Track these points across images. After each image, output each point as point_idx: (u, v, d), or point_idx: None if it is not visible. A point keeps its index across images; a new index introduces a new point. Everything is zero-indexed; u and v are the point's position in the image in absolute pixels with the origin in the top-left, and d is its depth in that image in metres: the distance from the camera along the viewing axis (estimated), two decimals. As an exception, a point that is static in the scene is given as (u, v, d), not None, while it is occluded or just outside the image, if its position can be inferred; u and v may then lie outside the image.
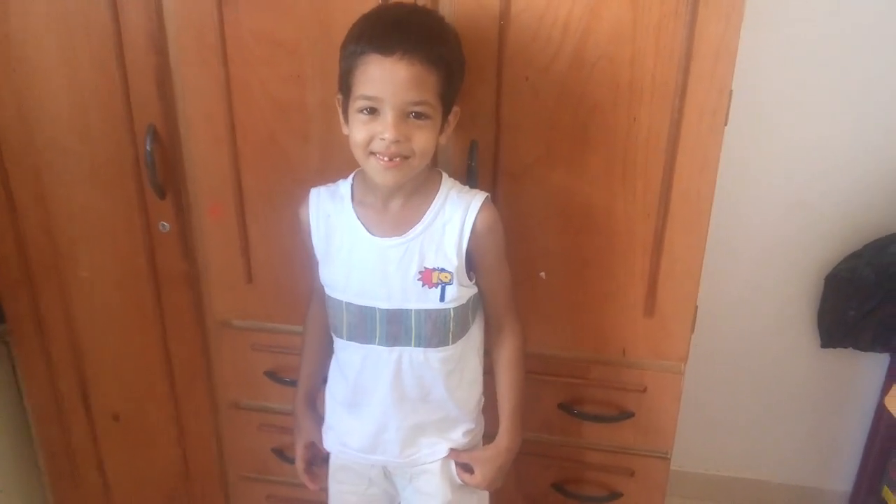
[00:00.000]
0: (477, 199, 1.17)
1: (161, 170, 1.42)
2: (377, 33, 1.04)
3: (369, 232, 1.17)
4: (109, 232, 1.50)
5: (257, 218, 1.42)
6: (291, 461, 1.61)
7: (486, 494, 1.36)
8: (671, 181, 1.26)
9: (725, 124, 1.21)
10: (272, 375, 1.55)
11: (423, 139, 1.07)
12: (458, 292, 1.17)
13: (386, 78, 1.02)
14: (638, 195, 1.28)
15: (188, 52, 1.32)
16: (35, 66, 1.39)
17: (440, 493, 1.28)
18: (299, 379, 1.38)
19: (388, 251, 1.16)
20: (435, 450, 1.28)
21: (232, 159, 1.38)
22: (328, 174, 1.25)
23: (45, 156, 1.45)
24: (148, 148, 1.39)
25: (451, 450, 1.28)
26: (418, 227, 1.16)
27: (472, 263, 1.19)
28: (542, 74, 1.23)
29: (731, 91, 1.20)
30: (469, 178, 1.29)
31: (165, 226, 1.47)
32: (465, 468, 1.29)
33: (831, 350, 1.89)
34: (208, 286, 1.52)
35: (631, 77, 1.20)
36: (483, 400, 1.33)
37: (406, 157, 1.07)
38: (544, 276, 1.38)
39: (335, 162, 1.29)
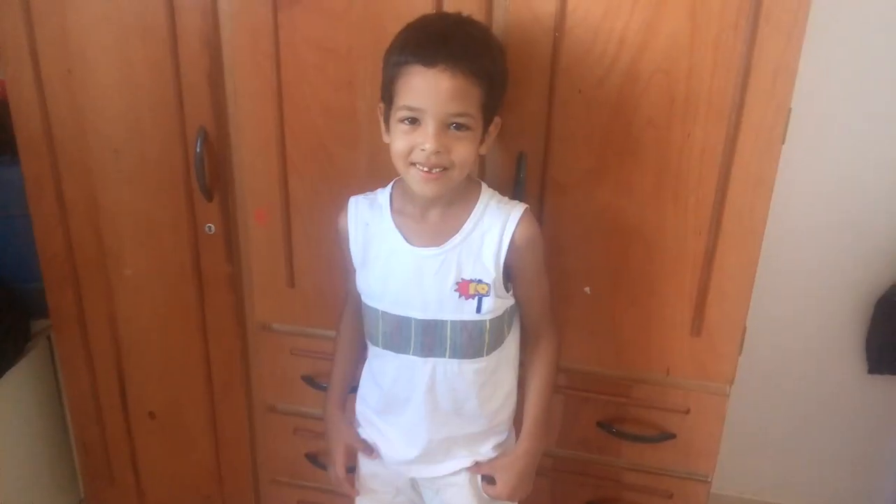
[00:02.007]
0: (516, 210, 1.16)
1: (209, 172, 1.43)
2: (420, 44, 1.04)
3: (407, 241, 1.17)
4: (156, 232, 1.51)
5: (302, 223, 1.43)
6: (324, 467, 1.61)
7: None
8: (724, 199, 1.24)
9: (783, 143, 1.19)
10: (309, 380, 1.54)
11: (463, 151, 1.06)
12: (495, 304, 1.16)
13: (428, 89, 1.03)
14: (689, 212, 1.26)
15: (242, 56, 1.33)
16: (90, 66, 1.41)
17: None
18: (331, 383, 1.37)
19: (425, 261, 1.15)
20: (462, 462, 1.27)
21: (280, 164, 1.38)
22: (375, 182, 1.25)
23: (96, 155, 1.47)
24: (198, 150, 1.40)
25: (476, 462, 1.27)
26: (456, 238, 1.15)
27: (510, 274, 1.18)
28: (596, 88, 1.21)
29: (790, 109, 1.17)
30: (517, 189, 1.28)
31: (211, 227, 1.48)
32: (489, 480, 1.28)
33: (879, 376, 1.85)
34: (250, 289, 1.52)
35: (687, 92, 1.18)
36: (515, 413, 1.31)
37: (446, 169, 1.07)
38: (589, 292, 1.36)
39: (382, 170, 1.29)
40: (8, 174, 1.59)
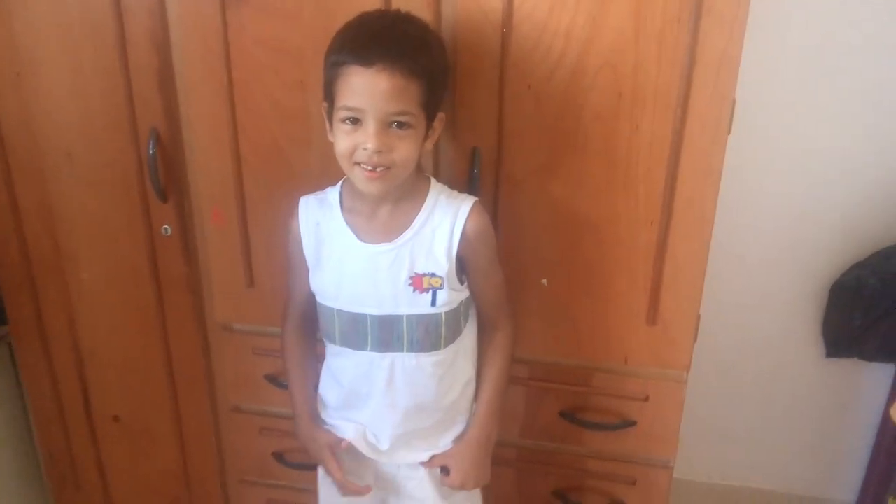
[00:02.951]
0: (466, 203, 1.17)
1: (163, 173, 1.42)
2: (358, 44, 1.05)
3: (359, 239, 1.17)
4: (112, 235, 1.50)
5: (259, 223, 1.42)
6: (292, 465, 1.61)
7: (477, 498, 1.36)
8: (674, 189, 1.25)
9: (729, 133, 1.21)
10: (272, 379, 1.54)
11: (405, 149, 1.07)
12: (450, 297, 1.17)
13: (367, 89, 1.03)
14: (640, 203, 1.28)
15: (192, 57, 1.33)
16: (39, 70, 1.39)
17: (430, 499, 1.28)
18: (297, 402, 1.33)
19: (378, 257, 1.16)
20: (421, 455, 1.28)
21: (234, 164, 1.38)
22: (329, 180, 1.25)
23: (48, 159, 1.46)
24: (151, 151, 1.39)
25: (432, 456, 1.28)
26: (408, 233, 1.16)
27: (463, 267, 1.19)
28: (545, 83, 1.22)
29: (735, 100, 1.19)
30: (471, 184, 1.29)
31: (167, 229, 1.47)
32: (446, 471, 1.29)
33: (836, 360, 1.88)
34: (209, 290, 1.52)
35: (633, 85, 1.20)
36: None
37: (389, 168, 1.08)
38: (546, 284, 1.37)
39: (337, 168, 1.28)
40: (-40, 180, 1.57)
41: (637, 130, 1.22)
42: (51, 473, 1.82)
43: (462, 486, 1.28)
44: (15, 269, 1.57)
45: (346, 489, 1.29)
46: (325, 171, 1.32)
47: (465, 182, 1.30)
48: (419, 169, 1.18)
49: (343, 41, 1.07)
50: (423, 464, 1.28)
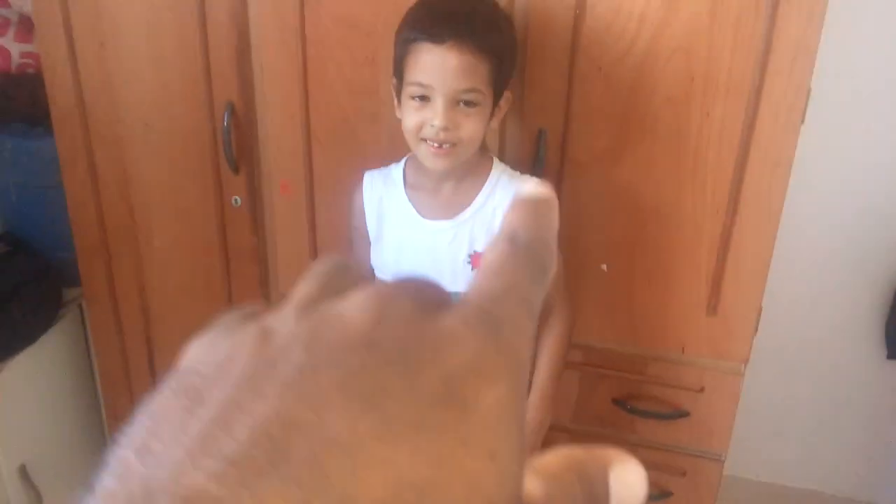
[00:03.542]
0: (528, 183, 1.17)
1: (236, 146, 1.46)
2: (429, 21, 1.06)
3: (420, 215, 1.19)
4: (184, 204, 1.55)
5: (325, 197, 1.45)
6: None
7: None
8: (742, 179, 1.24)
9: (801, 123, 1.19)
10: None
11: (471, 127, 1.08)
12: None
13: (436, 66, 1.05)
14: (707, 191, 1.27)
15: (268, 32, 1.36)
16: (122, 40, 1.44)
17: None
18: None
19: (438, 234, 1.18)
20: None
21: (304, 138, 1.41)
22: (396, 156, 1.27)
23: (127, 128, 1.51)
24: (225, 124, 1.43)
25: None
26: (469, 211, 1.17)
27: None
28: (616, 65, 1.22)
29: (810, 90, 1.17)
30: (536, 167, 1.30)
31: (238, 200, 1.51)
32: None
33: (897, 362, 1.84)
34: (275, 261, 1.56)
35: (706, 71, 1.19)
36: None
37: (455, 145, 1.09)
38: (606, 269, 1.37)
39: (403, 145, 1.30)
40: (42, 146, 1.64)
41: (708, 117, 1.22)
42: (115, 434, 1.88)
43: None
44: (90, 234, 1.63)
45: None
46: (392, 148, 1.35)
47: (531, 164, 1.30)
48: (483, 148, 1.20)
49: (415, 18, 1.09)
50: None
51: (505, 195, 1.17)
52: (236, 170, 1.48)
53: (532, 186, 0.27)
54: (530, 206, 0.26)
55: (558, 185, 1.32)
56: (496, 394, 0.20)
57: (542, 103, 1.28)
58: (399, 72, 1.11)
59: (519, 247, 0.25)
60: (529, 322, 0.23)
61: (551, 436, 1.43)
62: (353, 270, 0.25)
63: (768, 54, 1.16)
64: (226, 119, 1.43)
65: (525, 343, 0.22)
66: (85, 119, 1.52)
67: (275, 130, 1.43)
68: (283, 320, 0.21)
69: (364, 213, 1.25)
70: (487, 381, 0.20)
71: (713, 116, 1.21)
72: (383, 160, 1.29)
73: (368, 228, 1.25)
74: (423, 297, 0.23)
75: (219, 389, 0.19)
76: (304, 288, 0.24)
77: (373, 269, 1.26)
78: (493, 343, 0.21)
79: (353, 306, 0.21)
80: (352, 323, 0.20)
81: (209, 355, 0.22)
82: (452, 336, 0.21)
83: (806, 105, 1.18)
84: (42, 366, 1.75)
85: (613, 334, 1.43)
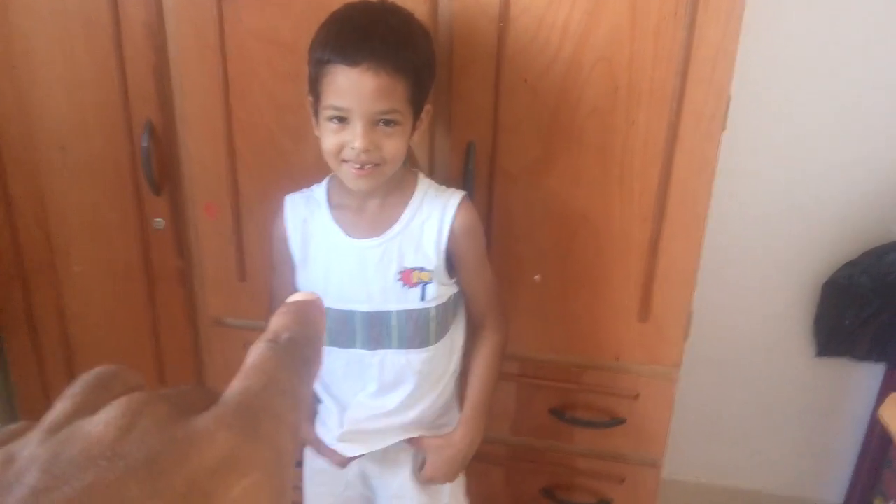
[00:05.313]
0: (455, 197, 1.17)
1: (157, 166, 1.42)
2: (342, 41, 1.03)
3: (347, 234, 1.17)
4: (104, 228, 1.50)
5: (252, 216, 1.42)
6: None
7: (461, 497, 1.35)
8: (668, 185, 1.26)
9: (723, 129, 1.21)
10: (264, 375, 1.54)
11: (393, 146, 1.06)
12: (439, 291, 1.17)
13: (353, 89, 1.02)
14: (635, 199, 1.28)
15: (187, 49, 1.32)
16: (35, 61, 1.39)
17: (414, 498, 1.28)
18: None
19: (366, 252, 1.16)
20: (401, 434, 1.24)
21: (229, 157, 1.38)
22: (324, 173, 1.25)
23: (42, 151, 1.45)
24: (144, 144, 1.39)
25: (421, 437, 1.25)
26: (396, 227, 1.15)
27: (452, 262, 1.18)
28: (541, 77, 1.23)
29: (730, 96, 1.20)
30: (466, 179, 1.29)
31: (160, 222, 1.47)
32: (422, 466, 1.28)
33: (826, 359, 1.89)
34: (202, 284, 1.51)
35: (629, 80, 1.20)
36: (457, 394, 1.32)
37: (377, 164, 1.07)
38: (539, 279, 1.37)
39: (331, 161, 1.30)
40: (-49, 171, 1.56)
41: (633, 126, 1.23)
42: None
43: (430, 481, 1.27)
44: (6, 262, 1.56)
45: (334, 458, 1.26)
46: (319, 164, 1.31)
47: (460, 177, 1.30)
48: (410, 162, 1.18)
49: (327, 37, 1.05)
50: (408, 441, 1.25)
51: (432, 209, 1.16)
52: (158, 191, 1.43)
53: (300, 295, 0.30)
54: (294, 308, 0.29)
55: (488, 198, 1.31)
56: (245, 484, 0.21)
57: (469, 116, 1.27)
58: (315, 91, 1.08)
59: (279, 344, 0.27)
60: (292, 412, 0.25)
61: (489, 450, 1.43)
62: (122, 379, 0.26)
63: (688, 62, 1.17)
64: (145, 138, 1.38)
65: (286, 431, 0.24)
66: (-4, 143, 1.46)
67: (197, 149, 1.39)
68: (27, 444, 0.22)
69: (287, 238, 1.21)
70: (236, 473, 0.22)
71: (637, 125, 1.23)
72: (311, 176, 1.27)
73: (293, 252, 1.21)
74: (183, 400, 0.24)
75: None
76: (57, 408, 0.24)
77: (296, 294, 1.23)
78: (248, 436, 0.23)
79: (102, 420, 0.22)
80: (96, 437, 0.21)
81: None
82: (205, 435, 0.22)
83: (727, 111, 1.21)
84: (-43, 402, 1.67)
85: (548, 344, 1.43)
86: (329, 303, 1.19)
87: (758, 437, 2.04)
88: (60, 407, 0.24)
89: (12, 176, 1.49)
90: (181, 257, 1.50)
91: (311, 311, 0.29)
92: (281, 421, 0.24)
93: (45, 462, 0.21)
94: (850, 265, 1.77)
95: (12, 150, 1.47)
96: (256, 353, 0.27)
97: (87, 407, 0.24)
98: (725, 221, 1.74)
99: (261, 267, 1.46)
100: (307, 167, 1.34)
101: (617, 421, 1.45)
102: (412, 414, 1.24)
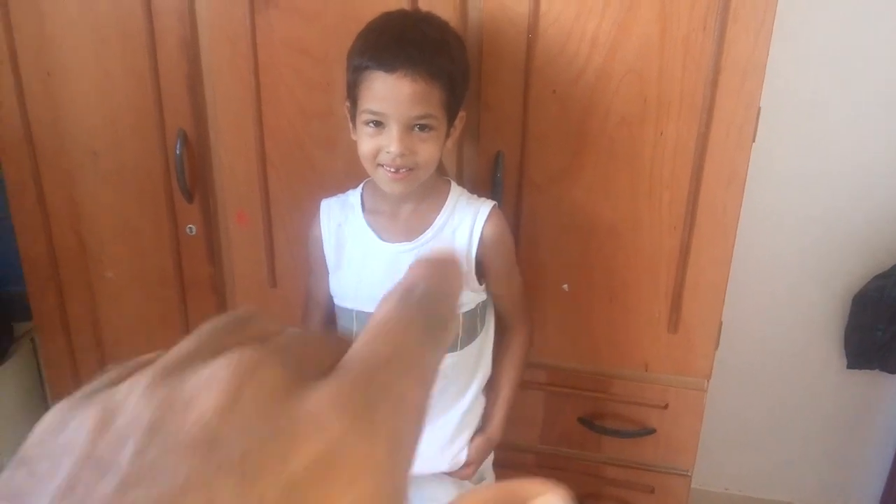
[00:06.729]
0: (485, 206, 1.18)
1: (190, 174, 1.44)
2: (380, 49, 1.06)
3: (380, 238, 1.19)
4: (137, 234, 1.52)
5: (283, 223, 1.44)
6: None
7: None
8: (697, 196, 1.25)
9: (753, 140, 1.21)
10: (293, 381, 1.55)
11: (427, 151, 1.08)
12: (468, 297, 1.19)
13: (389, 94, 1.04)
14: (664, 209, 1.28)
15: (220, 59, 1.34)
16: (69, 70, 1.41)
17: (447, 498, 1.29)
18: None
19: (399, 257, 1.17)
20: (435, 462, 1.27)
21: (260, 165, 1.39)
22: (353, 181, 1.26)
23: (76, 158, 1.48)
24: (178, 152, 1.41)
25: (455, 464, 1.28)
26: (428, 233, 1.17)
27: (481, 270, 1.20)
28: (570, 87, 1.23)
29: (760, 107, 1.19)
30: (494, 189, 1.30)
31: (192, 229, 1.49)
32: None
33: (857, 371, 1.86)
34: (232, 290, 1.53)
35: (658, 91, 1.20)
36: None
37: (412, 169, 1.09)
38: (567, 289, 1.37)
39: (360, 169, 1.30)
40: (-11, 178, 1.59)
41: (662, 136, 1.23)
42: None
43: (469, 478, 1.30)
44: (41, 267, 1.59)
45: None
46: (349, 172, 1.33)
47: (488, 186, 1.30)
48: (440, 170, 1.19)
49: (365, 44, 1.08)
50: (449, 474, 1.28)
51: (463, 217, 1.17)
52: (190, 198, 1.45)
53: (436, 249, 0.27)
54: (433, 262, 0.25)
55: (516, 207, 1.32)
56: (352, 497, 0.18)
57: (498, 126, 1.28)
58: (352, 96, 1.11)
59: (412, 302, 0.23)
60: (418, 390, 0.22)
61: (517, 457, 1.43)
62: (257, 324, 0.24)
63: (718, 73, 1.17)
64: (178, 147, 1.40)
65: (408, 414, 0.21)
66: (33, 150, 1.49)
67: (229, 158, 1.41)
68: (133, 389, 0.20)
69: (322, 243, 1.23)
70: (341, 481, 0.18)
71: (667, 135, 1.22)
72: (340, 185, 1.28)
73: (327, 255, 1.24)
74: (303, 356, 0.21)
75: (38, 499, 0.18)
76: (181, 345, 0.22)
77: (332, 299, 1.25)
78: (358, 430, 0.19)
79: (206, 382, 0.19)
80: (196, 409, 0.19)
81: (47, 443, 0.20)
82: (312, 423, 0.19)
83: (757, 122, 1.20)
84: (-7, 403, 1.70)
85: (576, 354, 1.43)
86: (360, 306, 1.21)
87: (788, 449, 2.02)
88: (184, 345, 0.22)
89: (47, 181, 1.52)
90: (213, 264, 1.52)
91: (449, 266, 0.26)
92: (403, 401, 0.21)
93: (142, 436, 0.18)
94: (882, 277, 1.75)
95: (46, 156, 1.49)
96: (384, 309, 0.23)
97: (210, 348, 0.21)
98: (755, 232, 1.73)
99: (292, 273, 1.47)
100: (336, 175, 1.35)
101: (646, 430, 1.45)
102: (444, 421, 1.25)
